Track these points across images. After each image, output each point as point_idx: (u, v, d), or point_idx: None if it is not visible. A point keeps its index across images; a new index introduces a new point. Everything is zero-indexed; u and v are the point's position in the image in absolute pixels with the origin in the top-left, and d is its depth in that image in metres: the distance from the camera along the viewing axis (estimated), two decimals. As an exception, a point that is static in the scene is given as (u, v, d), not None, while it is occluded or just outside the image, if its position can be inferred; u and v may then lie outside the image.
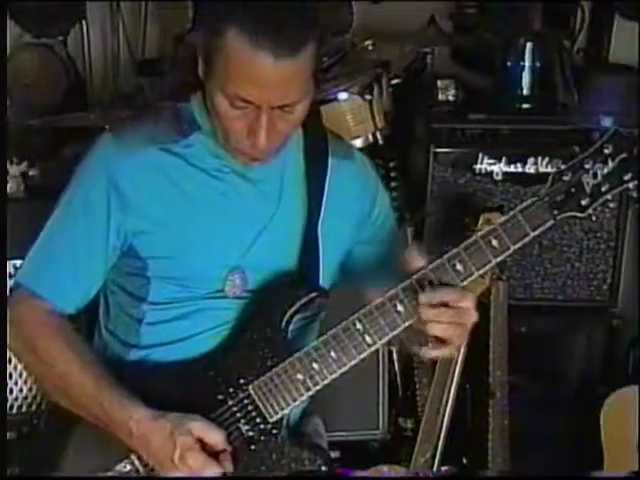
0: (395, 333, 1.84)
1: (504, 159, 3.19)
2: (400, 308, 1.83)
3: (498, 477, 2.90)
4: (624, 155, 1.82)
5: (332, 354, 1.84)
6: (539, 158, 3.17)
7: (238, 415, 1.88)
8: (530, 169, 3.18)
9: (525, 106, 3.34)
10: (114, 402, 1.84)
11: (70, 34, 3.93)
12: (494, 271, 2.73)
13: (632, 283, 3.42)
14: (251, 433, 1.88)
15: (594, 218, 1.85)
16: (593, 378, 3.27)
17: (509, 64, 3.36)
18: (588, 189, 1.83)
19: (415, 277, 1.83)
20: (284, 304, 1.91)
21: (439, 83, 3.28)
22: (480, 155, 3.19)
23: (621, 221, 3.18)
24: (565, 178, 1.84)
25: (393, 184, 3.13)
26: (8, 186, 2.86)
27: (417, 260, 1.84)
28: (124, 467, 1.87)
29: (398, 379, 3.11)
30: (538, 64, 3.34)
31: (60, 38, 3.91)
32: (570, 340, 3.27)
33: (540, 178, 3.15)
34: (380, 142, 3.10)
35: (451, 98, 3.27)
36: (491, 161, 3.19)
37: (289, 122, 1.85)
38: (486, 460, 2.90)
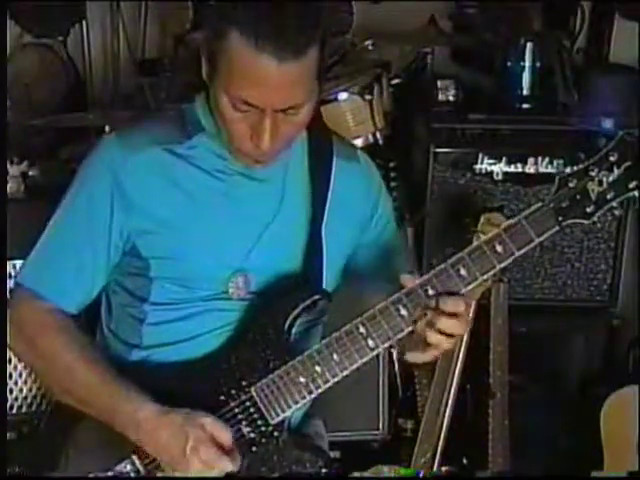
0: (398, 337, 1.85)
1: (504, 159, 3.19)
2: (403, 312, 1.83)
3: (498, 477, 2.90)
4: (629, 163, 1.82)
5: (335, 357, 1.84)
6: (539, 158, 3.18)
7: (240, 417, 1.88)
8: (530, 169, 3.18)
9: (525, 106, 3.35)
10: (121, 396, 1.84)
11: (70, 34, 3.93)
12: (495, 273, 2.72)
13: (632, 283, 3.42)
14: (252, 435, 1.88)
15: (599, 225, 1.85)
16: (593, 378, 3.27)
17: (509, 64, 3.36)
18: (593, 196, 1.84)
19: (419, 282, 1.83)
20: (287, 306, 1.91)
21: (439, 83, 3.28)
22: (480, 155, 3.20)
23: (621, 222, 3.19)
24: (570, 184, 1.83)
25: (393, 184, 3.13)
26: (8, 186, 2.86)
27: (410, 283, 1.84)
28: (124, 467, 1.87)
29: (398, 380, 3.12)
30: (538, 64, 3.34)
31: (60, 38, 3.91)
32: (570, 340, 3.28)
33: (540, 178, 3.16)
34: (380, 142, 3.10)
35: (451, 98, 3.27)
36: (491, 161, 3.19)
37: (293, 125, 1.85)
38: (486, 460, 2.90)
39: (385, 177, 3.01)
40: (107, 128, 3.02)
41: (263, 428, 1.88)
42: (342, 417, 2.86)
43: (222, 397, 1.89)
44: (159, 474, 1.86)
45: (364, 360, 1.85)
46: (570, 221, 1.84)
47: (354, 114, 3.06)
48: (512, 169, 3.19)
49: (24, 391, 2.67)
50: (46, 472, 1.93)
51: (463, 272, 1.83)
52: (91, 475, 1.87)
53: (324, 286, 1.99)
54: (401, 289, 1.84)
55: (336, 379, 1.86)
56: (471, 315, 2.73)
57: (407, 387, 3.12)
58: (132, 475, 1.87)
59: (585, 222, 1.85)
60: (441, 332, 1.82)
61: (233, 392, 1.89)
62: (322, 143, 2.06)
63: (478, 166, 3.20)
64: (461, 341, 2.76)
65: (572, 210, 1.84)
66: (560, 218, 1.84)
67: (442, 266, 1.83)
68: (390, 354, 2.98)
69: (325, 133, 2.10)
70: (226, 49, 1.77)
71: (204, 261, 1.93)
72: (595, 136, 3.07)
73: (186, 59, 3.58)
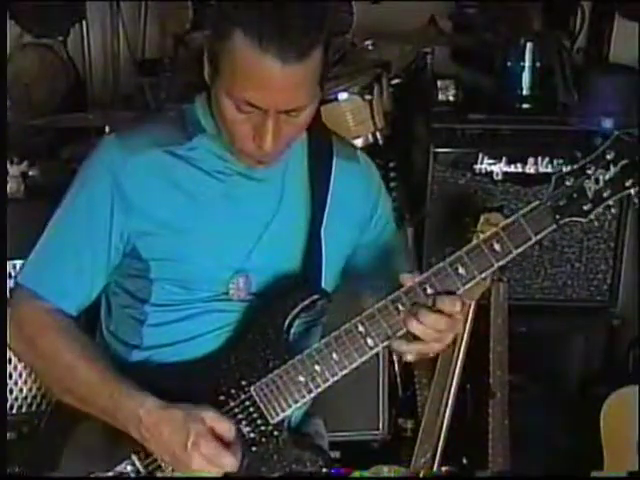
0: (397, 336, 1.84)
1: (504, 159, 3.19)
2: (402, 311, 1.83)
3: (498, 477, 2.90)
4: (626, 161, 1.82)
5: (334, 356, 1.84)
6: (539, 158, 3.18)
7: (239, 416, 1.87)
8: (530, 169, 3.18)
9: (525, 106, 3.35)
10: (122, 393, 1.84)
11: (70, 34, 3.94)
12: (495, 272, 2.72)
13: (632, 283, 3.42)
14: (252, 434, 1.88)
15: (596, 223, 1.85)
16: (593, 378, 3.27)
17: (509, 64, 3.37)
18: (590, 194, 1.84)
19: (417, 280, 1.83)
20: (286, 306, 1.90)
21: (439, 83, 3.28)
22: (480, 155, 3.20)
23: (621, 221, 3.19)
24: (567, 183, 1.84)
25: (393, 184, 3.14)
26: (8, 186, 2.86)
27: (409, 281, 1.84)
28: (124, 468, 1.87)
29: (398, 379, 3.12)
30: (538, 64, 3.34)
31: (60, 38, 3.92)
32: (570, 340, 3.28)
33: (540, 178, 3.16)
34: (380, 142, 3.10)
35: (451, 98, 3.27)
36: (491, 161, 3.19)
37: (295, 126, 1.85)
38: (486, 460, 2.90)
39: (385, 177, 3.02)
40: (107, 128, 3.02)
41: (263, 428, 1.88)
42: (342, 417, 2.87)
43: (222, 397, 1.88)
44: (159, 474, 1.86)
45: (363, 359, 1.85)
46: (567, 219, 1.84)
47: (354, 114, 3.06)
48: (512, 169, 3.19)
49: (24, 391, 2.67)
50: (46, 472, 1.92)
51: (461, 271, 1.82)
52: (91, 475, 1.87)
53: (323, 286, 1.99)
54: (400, 288, 1.84)
55: (335, 378, 1.85)
56: (471, 315, 2.74)
57: (407, 387, 3.13)
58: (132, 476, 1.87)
59: (582, 220, 1.85)
60: (433, 328, 1.82)
61: (233, 392, 1.88)
62: (322, 143, 2.06)
63: (478, 166, 3.20)
64: (461, 341, 2.76)
65: (569, 208, 1.84)
66: (557, 216, 1.84)
67: (440, 265, 1.83)
68: (390, 354, 2.99)
69: (325, 133, 2.10)
70: (229, 50, 1.76)
71: (205, 262, 1.93)
72: (595, 136, 3.07)
73: (186, 59, 3.58)
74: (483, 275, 1.84)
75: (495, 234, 1.83)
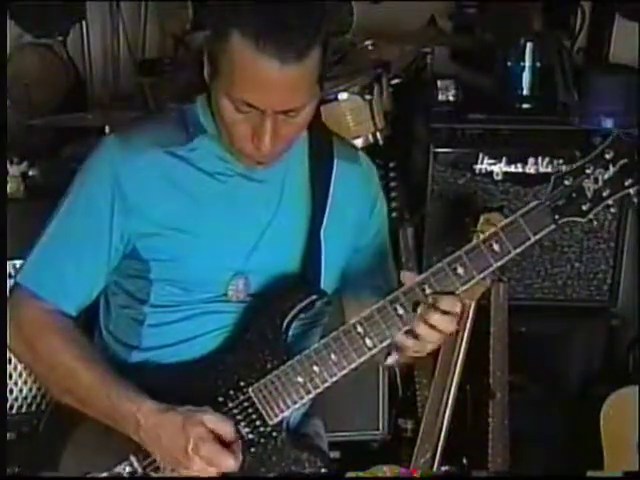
0: (396, 336, 1.84)
1: (504, 159, 3.19)
2: (401, 311, 1.83)
3: (498, 477, 2.90)
4: (625, 160, 1.82)
5: (332, 357, 1.84)
6: (539, 158, 3.17)
7: (238, 417, 1.88)
8: (530, 169, 3.18)
9: (525, 106, 3.34)
10: (121, 395, 1.84)
11: (70, 34, 3.94)
12: (495, 272, 2.72)
13: (632, 283, 3.42)
14: (251, 435, 1.88)
15: (595, 222, 1.85)
16: (593, 378, 3.26)
17: (509, 64, 3.36)
18: (589, 194, 1.84)
19: (416, 280, 1.83)
20: (284, 307, 1.91)
21: (439, 83, 3.27)
22: (480, 155, 3.19)
23: (621, 221, 3.18)
24: (566, 182, 1.84)
25: (393, 184, 3.13)
26: (8, 186, 2.86)
27: (410, 280, 1.84)
28: (123, 469, 1.87)
29: (398, 380, 3.12)
30: (538, 64, 3.34)
31: (60, 38, 3.91)
32: (570, 340, 3.27)
33: (540, 178, 3.15)
34: (380, 142, 3.10)
35: (451, 98, 3.27)
36: (491, 161, 3.19)
37: (294, 126, 1.85)
38: (486, 460, 2.90)
39: (385, 177, 3.02)
40: (107, 128, 3.02)
41: (262, 429, 1.88)
42: (342, 417, 2.87)
43: (220, 398, 1.88)
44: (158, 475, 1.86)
45: (362, 360, 1.85)
46: (566, 219, 1.84)
47: (354, 114, 3.06)
48: (512, 169, 3.19)
49: (24, 391, 2.68)
50: (46, 472, 1.93)
51: (460, 271, 1.82)
52: (91, 475, 1.87)
53: (322, 287, 1.99)
54: (400, 287, 1.84)
55: (334, 379, 1.85)
56: (471, 315, 2.74)
57: (407, 387, 3.12)
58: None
59: (581, 220, 1.85)
60: (432, 327, 1.82)
61: (231, 393, 1.88)
62: (323, 144, 2.06)
63: (478, 166, 3.19)
64: (461, 341, 2.76)
65: (568, 208, 1.84)
66: (556, 216, 1.84)
67: (439, 265, 1.83)
68: (389, 354, 2.98)
69: (326, 134, 2.09)
70: (227, 50, 1.76)
71: (205, 264, 1.93)
72: (595, 136, 3.07)
73: (186, 59, 3.58)
74: (482, 275, 1.84)
75: (494, 234, 1.83)
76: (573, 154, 3.08)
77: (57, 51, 3.91)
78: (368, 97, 3.06)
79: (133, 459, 1.87)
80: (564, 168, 1.87)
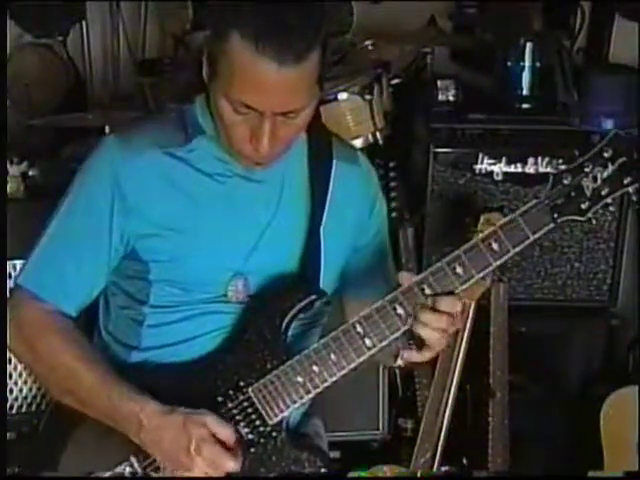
0: (395, 336, 1.84)
1: (504, 159, 3.19)
2: (400, 311, 1.83)
3: (498, 477, 2.90)
4: (624, 159, 1.82)
5: (332, 357, 1.84)
6: (539, 158, 3.17)
7: (238, 417, 1.87)
8: (530, 169, 3.18)
9: (525, 106, 3.34)
10: (123, 396, 1.84)
11: (70, 34, 3.94)
12: (495, 272, 2.73)
13: (632, 283, 3.42)
14: (251, 435, 1.88)
15: (594, 221, 1.85)
16: (593, 378, 3.27)
17: (509, 64, 3.36)
18: (588, 193, 1.83)
19: (415, 280, 1.83)
20: (283, 307, 1.90)
21: (439, 83, 3.27)
22: (480, 155, 3.19)
23: (621, 221, 3.18)
24: (565, 181, 1.83)
25: (393, 184, 3.13)
26: (8, 186, 2.86)
27: (407, 280, 1.84)
28: (123, 469, 1.87)
29: (398, 379, 3.12)
30: (538, 64, 3.34)
31: (60, 38, 3.91)
32: (570, 340, 3.27)
33: (540, 178, 3.15)
34: (380, 142, 3.10)
35: (451, 98, 3.27)
36: (491, 161, 3.19)
37: (293, 127, 1.84)
38: (486, 460, 2.90)
39: (385, 177, 3.03)
40: (107, 128, 3.03)
41: (261, 428, 1.88)
42: (342, 417, 2.87)
43: (220, 398, 1.88)
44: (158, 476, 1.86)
45: (361, 359, 1.85)
46: (565, 218, 1.84)
47: (354, 114, 3.06)
48: (512, 169, 3.19)
49: (24, 391, 2.68)
50: (46, 472, 1.93)
51: (459, 270, 1.82)
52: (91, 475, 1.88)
53: (322, 287, 1.98)
54: (398, 287, 1.84)
55: (334, 379, 1.85)
56: (471, 315, 2.74)
57: (407, 387, 3.12)
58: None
59: (580, 219, 1.84)
60: (434, 328, 1.82)
61: (231, 393, 1.88)
62: (322, 145, 2.05)
63: (478, 166, 3.19)
64: (461, 341, 2.76)
65: (567, 207, 1.83)
66: (555, 215, 1.83)
67: (438, 264, 1.83)
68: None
69: (325, 135, 2.09)
70: (226, 51, 1.76)
71: (204, 264, 1.93)
72: (595, 136, 3.07)
73: (186, 59, 3.58)
74: (481, 274, 1.83)
75: (493, 233, 1.83)
76: (573, 154, 3.07)
77: (57, 51, 3.92)
78: (368, 97, 3.06)
79: (133, 459, 1.87)
80: (564, 168, 1.87)
